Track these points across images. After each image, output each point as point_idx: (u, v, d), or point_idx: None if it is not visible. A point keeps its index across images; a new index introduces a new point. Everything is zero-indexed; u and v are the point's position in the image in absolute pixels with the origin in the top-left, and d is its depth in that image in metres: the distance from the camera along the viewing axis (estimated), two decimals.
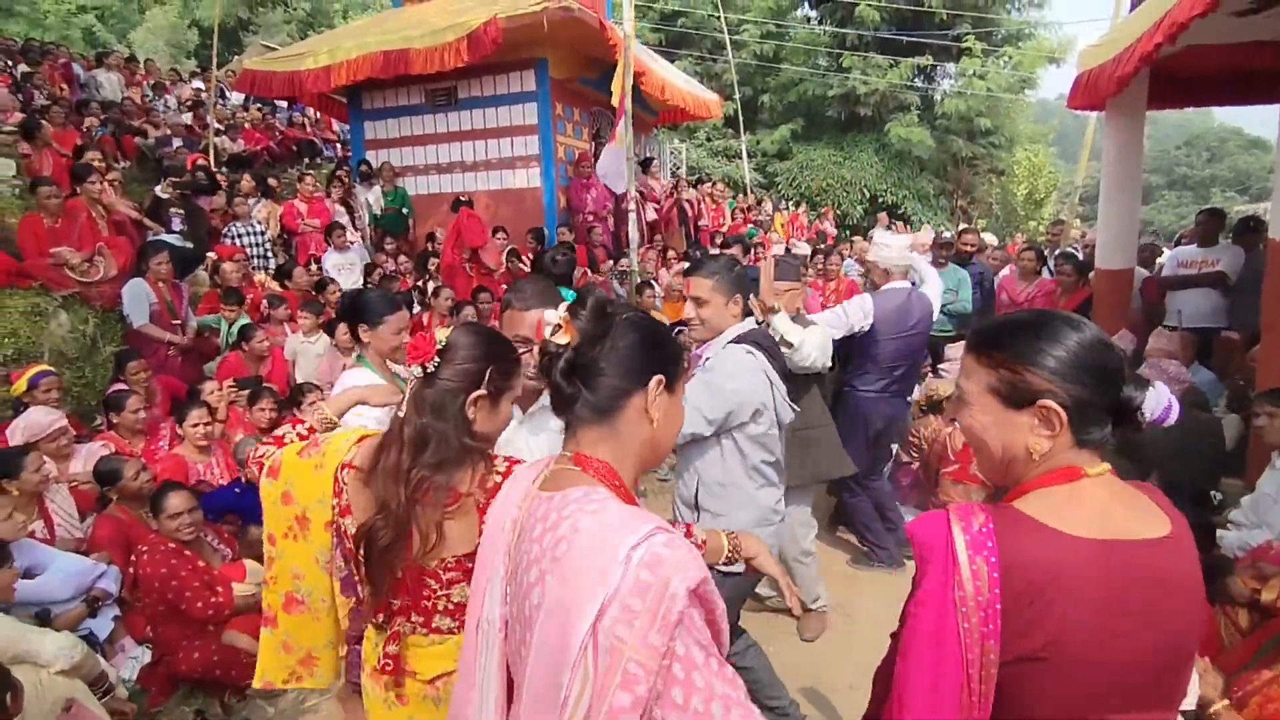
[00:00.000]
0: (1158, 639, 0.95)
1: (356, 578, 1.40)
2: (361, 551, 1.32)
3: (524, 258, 6.93)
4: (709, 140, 18.86)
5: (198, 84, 13.06)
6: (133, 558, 2.81)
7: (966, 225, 9.55)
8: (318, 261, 6.78)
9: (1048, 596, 0.91)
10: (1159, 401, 1.02)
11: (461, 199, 7.16)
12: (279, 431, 1.69)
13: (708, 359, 2.26)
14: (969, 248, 6.14)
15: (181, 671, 2.73)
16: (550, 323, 1.03)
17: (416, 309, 6.21)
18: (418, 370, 1.30)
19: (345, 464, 1.42)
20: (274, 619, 1.61)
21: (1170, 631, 0.96)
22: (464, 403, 1.31)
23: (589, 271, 7.14)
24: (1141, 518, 1.00)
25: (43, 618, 2.67)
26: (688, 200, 9.79)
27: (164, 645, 2.80)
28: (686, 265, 2.39)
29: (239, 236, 6.67)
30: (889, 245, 3.81)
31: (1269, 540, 2.74)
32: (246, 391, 4.32)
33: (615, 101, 6.23)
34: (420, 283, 7.02)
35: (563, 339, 1.02)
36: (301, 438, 1.66)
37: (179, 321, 5.06)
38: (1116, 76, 4.45)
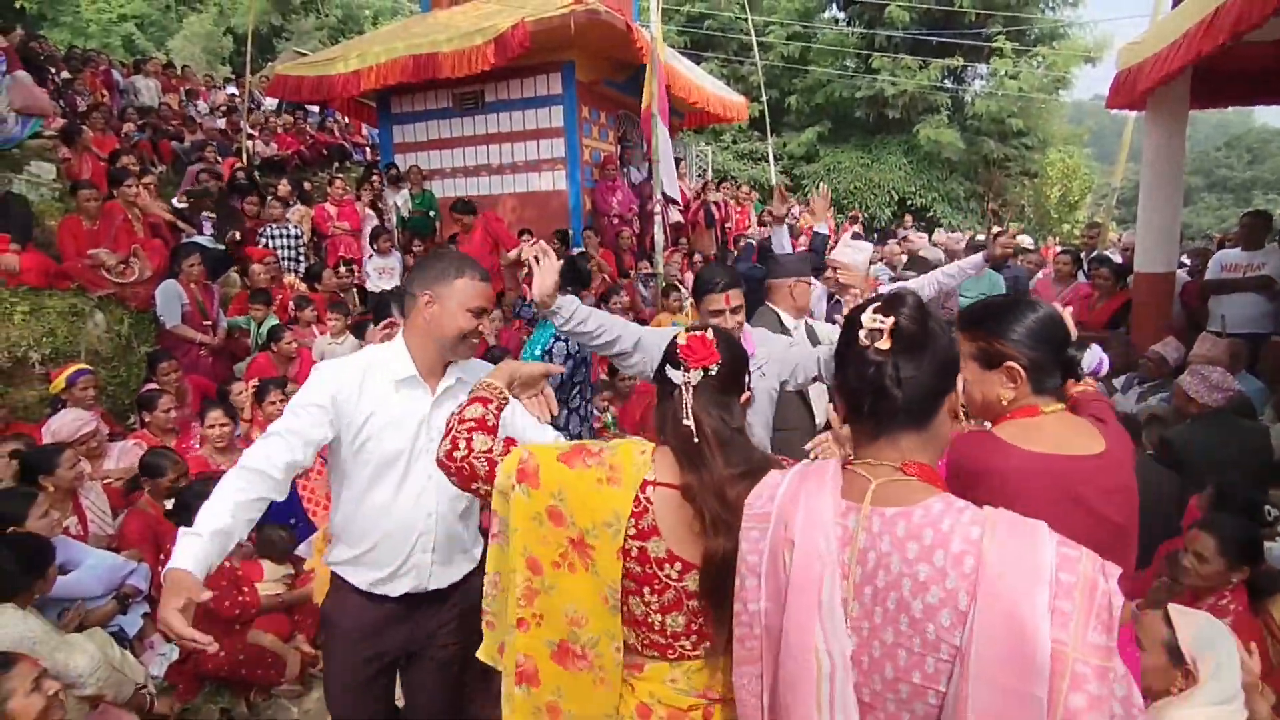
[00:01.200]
0: (1090, 523, 1.29)
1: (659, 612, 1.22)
2: (706, 581, 1.18)
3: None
4: (735, 143, 18.77)
5: (231, 90, 13.33)
6: (161, 555, 2.83)
7: (1001, 229, 9.38)
8: (347, 264, 6.85)
9: (985, 486, 1.27)
10: (1093, 358, 1.76)
11: (464, 202, 7.21)
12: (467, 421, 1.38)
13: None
14: (1005, 250, 6.01)
15: (208, 670, 2.75)
16: (872, 328, 1.00)
17: None
18: (697, 374, 1.24)
19: (652, 481, 1.22)
20: (534, 674, 1.26)
21: (1101, 518, 1.34)
22: (741, 407, 1.28)
23: (616, 275, 7.13)
24: (1085, 441, 1.40)
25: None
26: (714, 203, 9.74)
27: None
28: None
29: (274, 239, 6.77)
30: (852, 248, 3.85)
31: None
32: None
33: (645, 106, 6.23)
34: None
35: (885, 344, 0.99)
36: (490, 429, 1.38)
37: (210, 322, 5.14)
38: (1160, 74, 4.33)
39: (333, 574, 1.85)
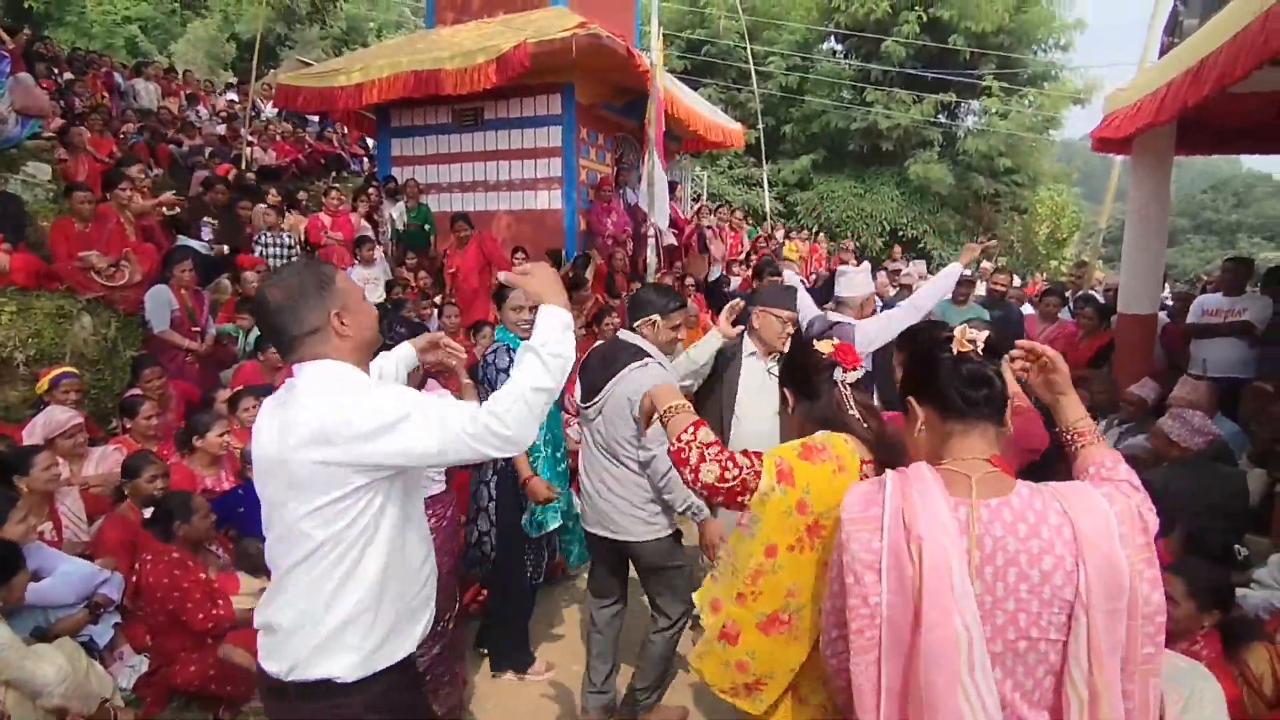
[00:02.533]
0: None
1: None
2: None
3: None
4: (731, 168, 18.97)
5: (232, 96, 13.37)
6: (136, 566, 2.80)
7: (998, 266, 9.51)
8: None
9: None
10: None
11: (464, 216, 7.26)
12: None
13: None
14: (1000, 288, 6.09)
15: (178, 684, 2.71)
16: (976, 339, 1.25)
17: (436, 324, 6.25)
18: (852, 374, 1.59)
19: (865, 460, 1.52)
20: (735, 636, 1.53)
21: None
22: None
23: (608, 295, 7.16)
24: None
25: (39, 634, 2.66)
26: (708, 227, 9.82)
27: (162, 655, 2.78)
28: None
29: (267, 246, 6.76)
30: (845, 275, 3.91)
31: None
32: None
33: (650, 131, 6.32)
34: (439, 299, 7.07)
35: (979, 349, 1.25)
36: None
37: (199, 329, 5.12)
38: (1146, 123, 4.43)
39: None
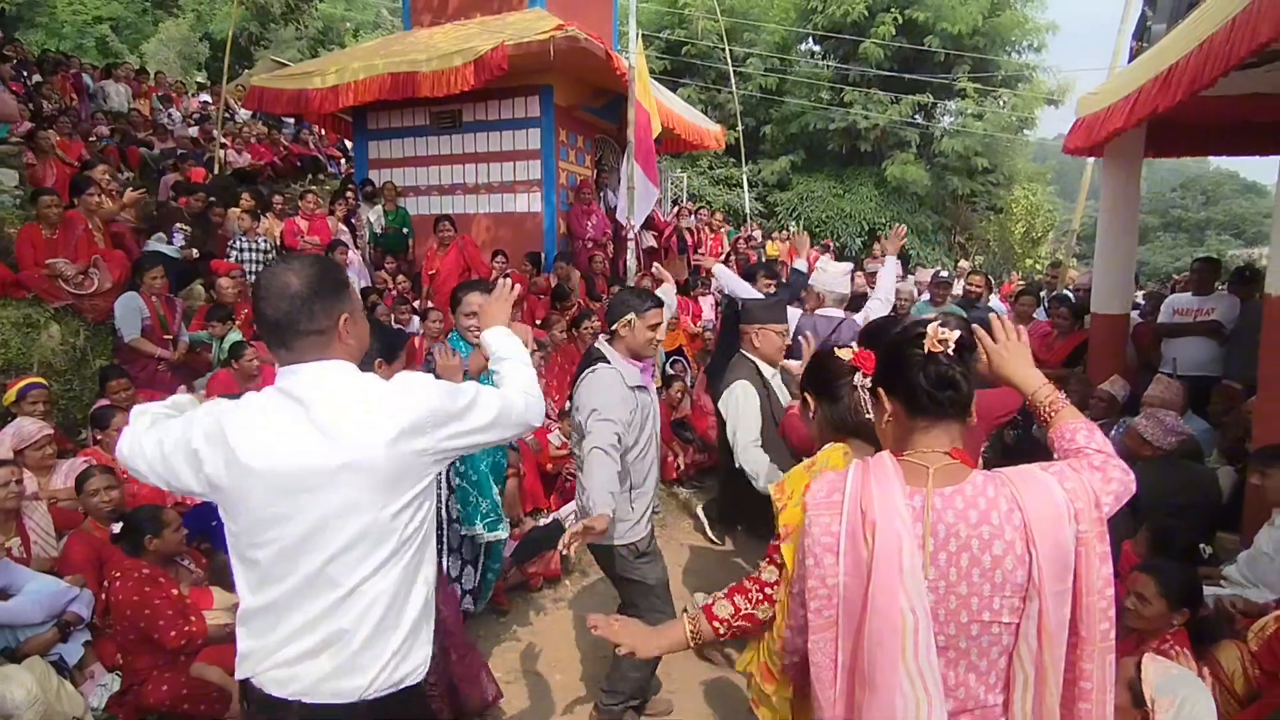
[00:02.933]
0: None
1: None
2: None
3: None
4: (711, 168, 19.01)
5: (205, 97, 13.16)
6: (105, 583, 2.74)
7: (974, 267, 9.63)
8: None
9: None
10: None
11: (449, 218, 7.22)
12: None
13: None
14: (976, 289, 6.15)
15: (150, 703, 2.65)
16: (947, 338, 1.26)
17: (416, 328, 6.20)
18: (866, 379, 1.59)
19: None
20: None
21: None
22: None
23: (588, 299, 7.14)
24: None
25: (7, 655, 2.60)
26: (687, 229, 9.82)
27: (134, 674, 2.72)
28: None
29: (242, 251, 6.67)
30: (825, 270, 3.96)
31: (1271, 602, 2.70)
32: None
33: (629, 134, 6.30)
34: (418, 303, 7.01)
35: (952, 351, 1.26)
36: None
37: (171, 336, 5.03)
38: (1117, 126, 4.49)
39: None
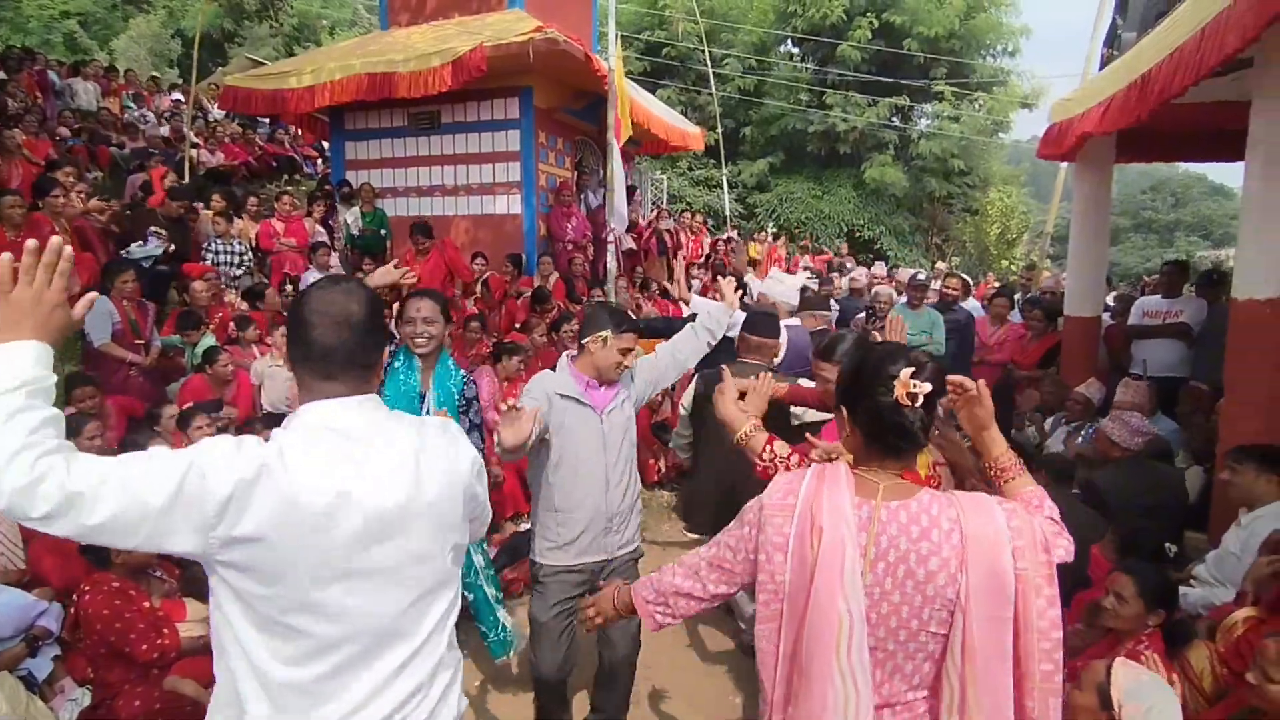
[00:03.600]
0: None
1: None
2: None
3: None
4: (691, 169, 19.05)
5: (177, 95, 12.94)
6: (74, 596, 2.68)
7: (951, 270, 9.76)
8: (292, 281, 6.67)
9: None
10: None
11: (424, 225, 7.17)
12: None
13: None
14: (953, 292, 6.23)
15: (122, 718, 2.60)
16: (917, 392, 1.27)
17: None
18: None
19: (939, 463, 2.01)
20: None
21: None
22: None
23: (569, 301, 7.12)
24: None
25: None
26: (666, 230, 9.84)
27: (105, 688, 2.67)
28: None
29: (217, 254, 6.56)
30: (781, 282, 4.04)
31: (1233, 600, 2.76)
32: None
33: (610, 136, 6.30)
34: (396, 305, 6.94)
35: (920, 403, 1.29)
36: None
37: (142, 341, 4.93)
38: (1089, 134, 4.56)
39: None
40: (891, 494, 1.32)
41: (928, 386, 1.27)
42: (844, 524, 1.28)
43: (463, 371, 3.06)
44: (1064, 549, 1.34)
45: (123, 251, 5.90)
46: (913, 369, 1.29)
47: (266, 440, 1.21)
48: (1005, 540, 1.24)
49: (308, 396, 1.26)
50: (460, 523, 1.38)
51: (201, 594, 3.07)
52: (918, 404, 1.28)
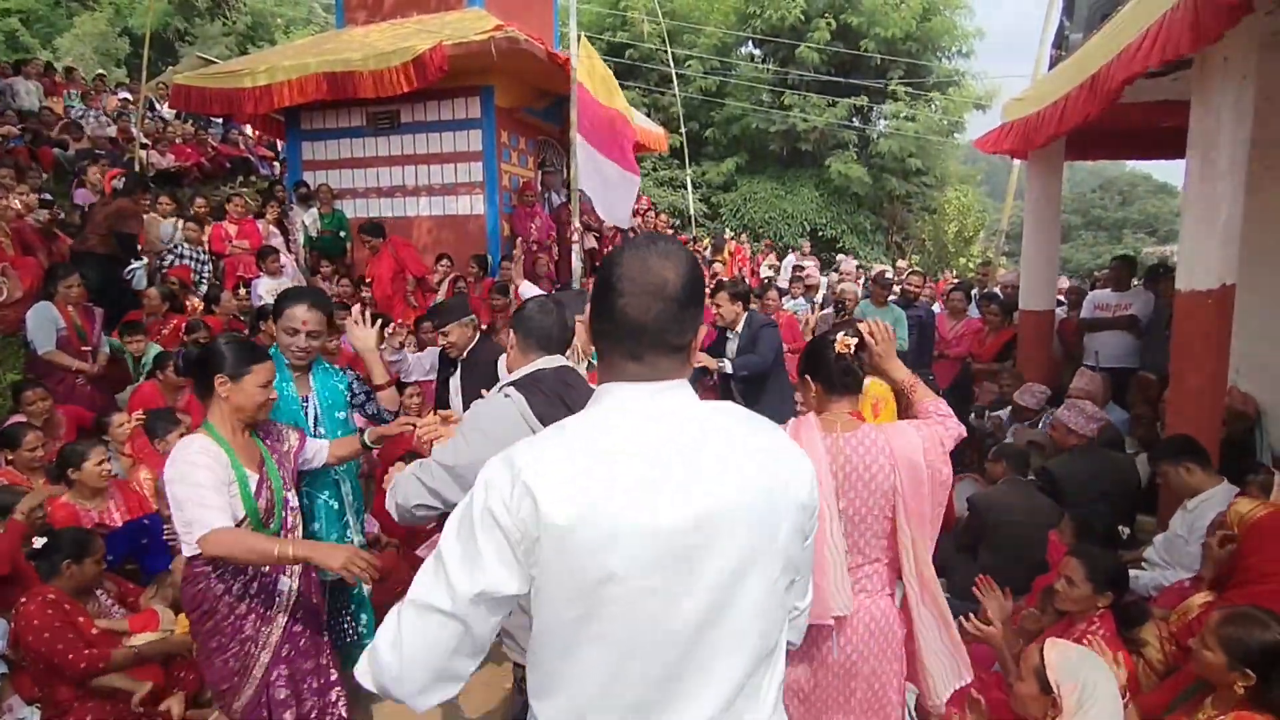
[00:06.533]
0: None
1: None
2: None
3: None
4: (655, 170, 19.09)
5: (125, 94, 12.53)
6: (13, 611, 2.58)
7: (913, 267, 9.95)
8: (246, 285, 6.51)
9: None
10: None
11: (373, 224, 7.08)
12: None
13: None
14: (914, 289, 6.34)
15: None
16: (850, 344, 1.90)
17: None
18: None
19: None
20: None
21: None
22: None
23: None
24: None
25: None
26: (631, 230, 9.83)
27: (54, 706, 2.56)
28: None
29: (181, 259, 6.37)
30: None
31: (1182, 580, 2.85)
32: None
33: (573, 134, 6.26)
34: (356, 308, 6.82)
35: (851, 352, 1.91)
36: None
37: (90, 348, 4.76)
38: (1042, 135, 4.68)
39: None
40: (845, 428, 1.91)
41: (855, 339, 1.91)
42: (817, 455, 1.83)
43: (342, 369, 2.93)
44: (955, 431, 1.99)
45: (125, 272, 5.88)
46: (844, 333, 1.93)
47: None
48: (918, 446, 1.87)
49: (609, 376, 1.09)
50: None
51: (174, 603, 2.95)
52: (851, 351, 1.90)
